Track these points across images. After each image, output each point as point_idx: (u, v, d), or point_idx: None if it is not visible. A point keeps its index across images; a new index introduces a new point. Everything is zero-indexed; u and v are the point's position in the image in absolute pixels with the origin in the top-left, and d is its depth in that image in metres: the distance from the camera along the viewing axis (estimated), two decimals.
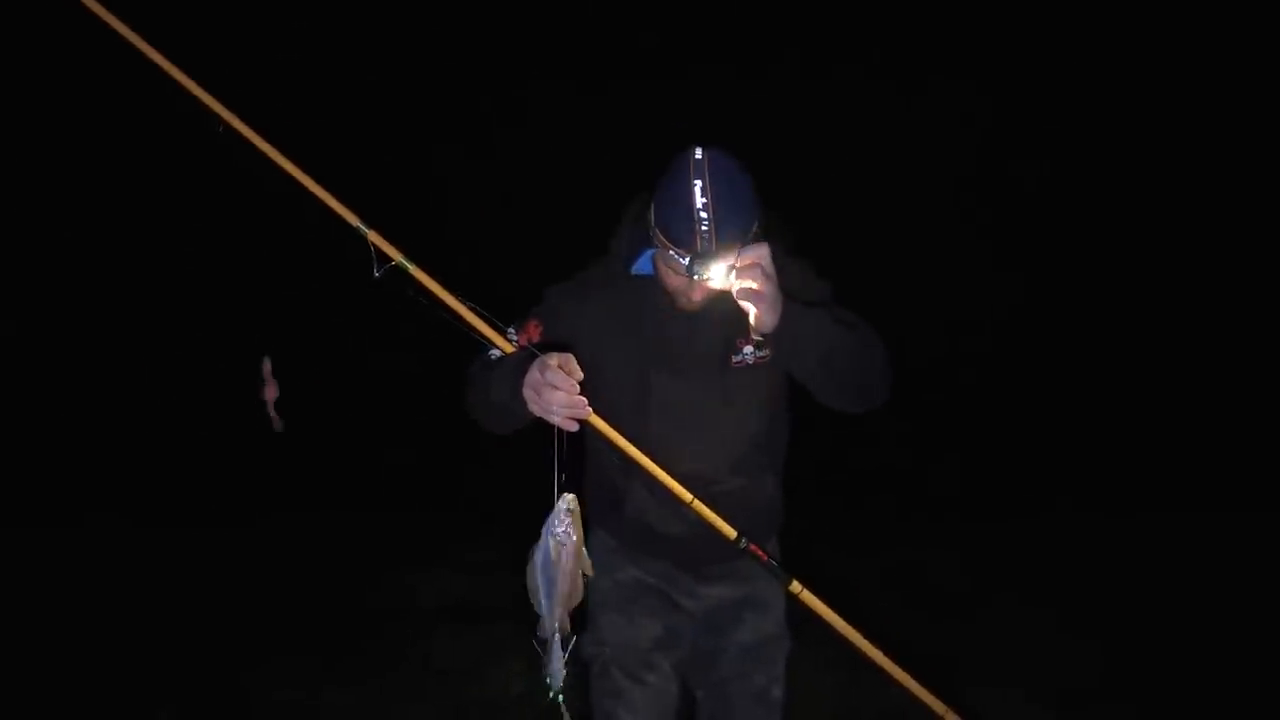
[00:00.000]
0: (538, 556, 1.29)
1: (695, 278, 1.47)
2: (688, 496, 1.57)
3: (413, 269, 1.54)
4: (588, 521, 1.83)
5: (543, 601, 1.31)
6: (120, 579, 3.69)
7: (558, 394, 1.34)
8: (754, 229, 1.50)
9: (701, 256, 1.44)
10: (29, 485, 4.69)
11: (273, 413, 1.88)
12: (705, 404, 1.66)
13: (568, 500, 1.29)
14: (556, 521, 1.28)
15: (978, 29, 7.99)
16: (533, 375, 1.37)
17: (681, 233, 1.47)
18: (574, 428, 1.37)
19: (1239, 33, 7.36)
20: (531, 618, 1.35)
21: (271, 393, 1.90)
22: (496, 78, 8.24)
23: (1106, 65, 8.01)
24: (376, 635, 3.41)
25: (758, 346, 1.65)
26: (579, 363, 1.47)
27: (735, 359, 1.67)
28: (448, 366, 1.75)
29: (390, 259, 1.54)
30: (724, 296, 1.56)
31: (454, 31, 8.06)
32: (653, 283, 1.64)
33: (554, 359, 1.35)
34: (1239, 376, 6.52)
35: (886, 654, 1.64)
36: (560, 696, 1.34)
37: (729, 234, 1.45)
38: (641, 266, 1.65)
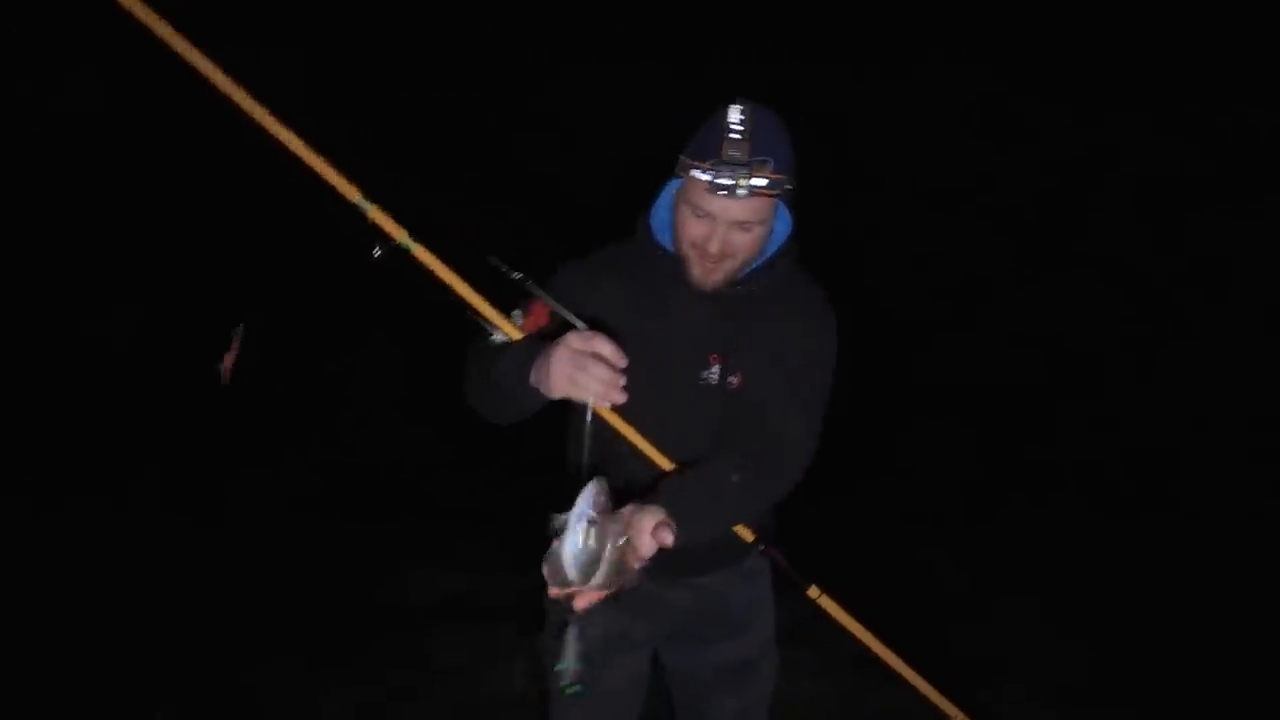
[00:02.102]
0: (568, 540, 1.11)
1: (719, 188, 1.35)
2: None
3: (418, 250, 1.41)
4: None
5: (573, 580, 1.11)
6: (119, 578, 3.68)
7: (601, 367, 1.23)
8: (789, 176, 1.40)
9: (728, 163, 1.34)
10: (25, 477, 4.69)
11: (227, 366, 1.77)
12: (671, 415, 1.55)
13: (597, 482, 1.14)
14: (583, 501, 1.12)
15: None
16: (572, 343, 1.25)
17: (709, 144, 1.37)
18: (606, 404, 1.27)
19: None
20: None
21: (231, 358, 1.79)
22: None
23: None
24: (376, 635, 3.41)
25: (727, 372, 1.55)
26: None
27: (704, 374, 1.56)
28: (449, 360, 1.69)
29: (393, 239, 1.40)
30: (730, 304, 1.50)
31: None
32: (670, 269, 1.54)
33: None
34: (1238, 376, 6.51)
35: (902, 658, 1.63)
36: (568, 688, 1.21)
37: (763, 147, 1.35)
38: (660, 232, 1.54)
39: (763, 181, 1.36)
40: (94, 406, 5.69)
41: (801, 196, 1.51)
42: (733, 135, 1.36)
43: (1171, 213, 7.81)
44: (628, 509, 1.21)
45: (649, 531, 1.20)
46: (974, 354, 7.04)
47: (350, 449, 5.49)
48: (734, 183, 1.35)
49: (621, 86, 7.53)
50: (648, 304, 1.56)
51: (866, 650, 1.66)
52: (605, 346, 1.24)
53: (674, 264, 1.53)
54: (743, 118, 1.37)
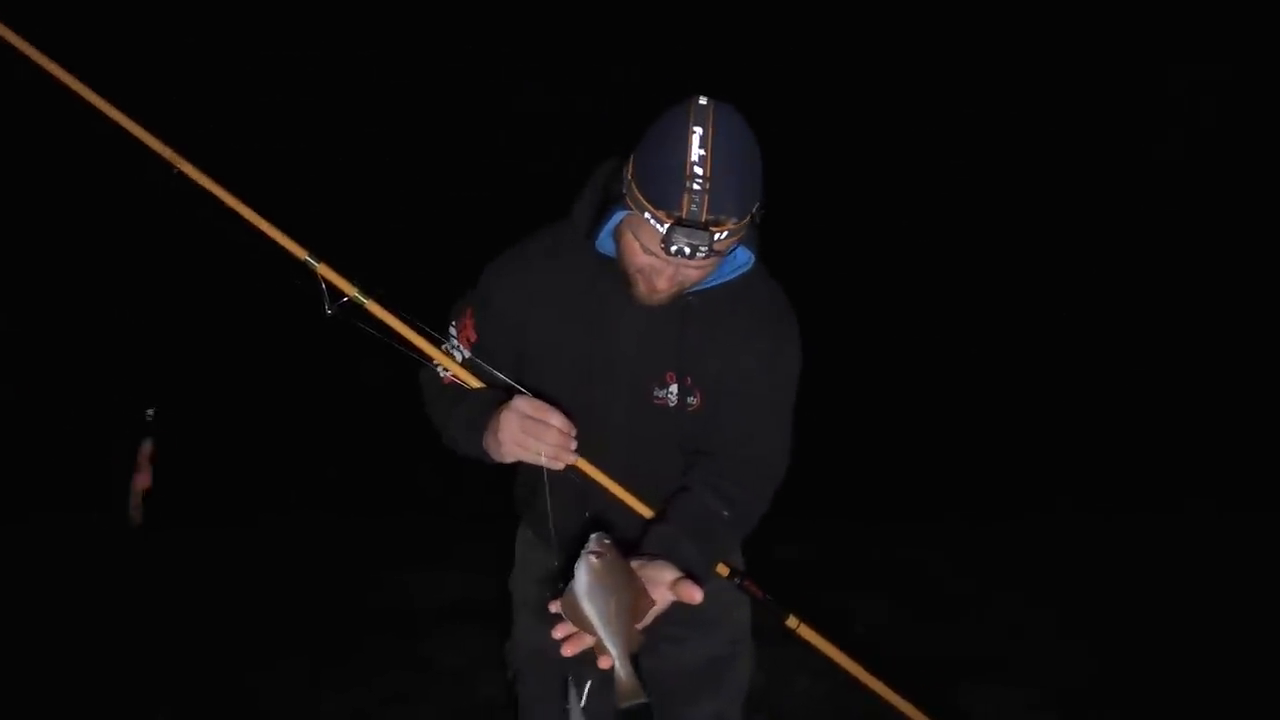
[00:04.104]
0: (579, 583, 1.09)
1: (673, 252, 1.19)
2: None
3: (369, 304, 1.40)
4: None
5: (599, 628, 1.08)
6: (116, 580, 3.68)
7: (550, 430, 1.24)
8: (755, 209, 1.24)
9: (686, 225, 1.16)
10: (25, 480, 4.67)
11: (136, 503, 1.78)
12: (617, 430, 1.46)
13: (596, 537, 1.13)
14: (590, 543, 1.12)
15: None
16: (521, 408, 1.25)
17: (666, 190, 1.17)
18: (558, 466, 1.27)
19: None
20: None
21: (143, 481, 1.80)
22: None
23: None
24: (375, 637, 3.40)
25: (687, 393, 1.44)
26: (510, 338, 1.41)
27: (658, 394, 1.44)
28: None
29: (343, 294, 1.39)
30: (679, 309, 1.38)
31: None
32: (612, 264, 1.38)
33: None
34: (1238, 375, 6.52)
35: (888, 684, 1.62)
36: None
37: (726, 202, 1.17)
38: (603, 244, 1.38)
39: (723, 236, 1.19)
40: (89, 415, 5.69)
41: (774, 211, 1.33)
42: (693, 185, 1.16)
43: (1166, 208, 7.82)
44: (634, 563, 1.16)
45: (667, 585, 1.15)
46: (972, 352, 7.04)
47: (346, 451, 5.48)
48: (690, 251, 1.19)
49: (614, 89, 7.56)
50: (588, 309, 1.44)
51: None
52: (555, 416, 1.25)
53: (616, 272, 1.37)
54: (703, 154, 1.15)
